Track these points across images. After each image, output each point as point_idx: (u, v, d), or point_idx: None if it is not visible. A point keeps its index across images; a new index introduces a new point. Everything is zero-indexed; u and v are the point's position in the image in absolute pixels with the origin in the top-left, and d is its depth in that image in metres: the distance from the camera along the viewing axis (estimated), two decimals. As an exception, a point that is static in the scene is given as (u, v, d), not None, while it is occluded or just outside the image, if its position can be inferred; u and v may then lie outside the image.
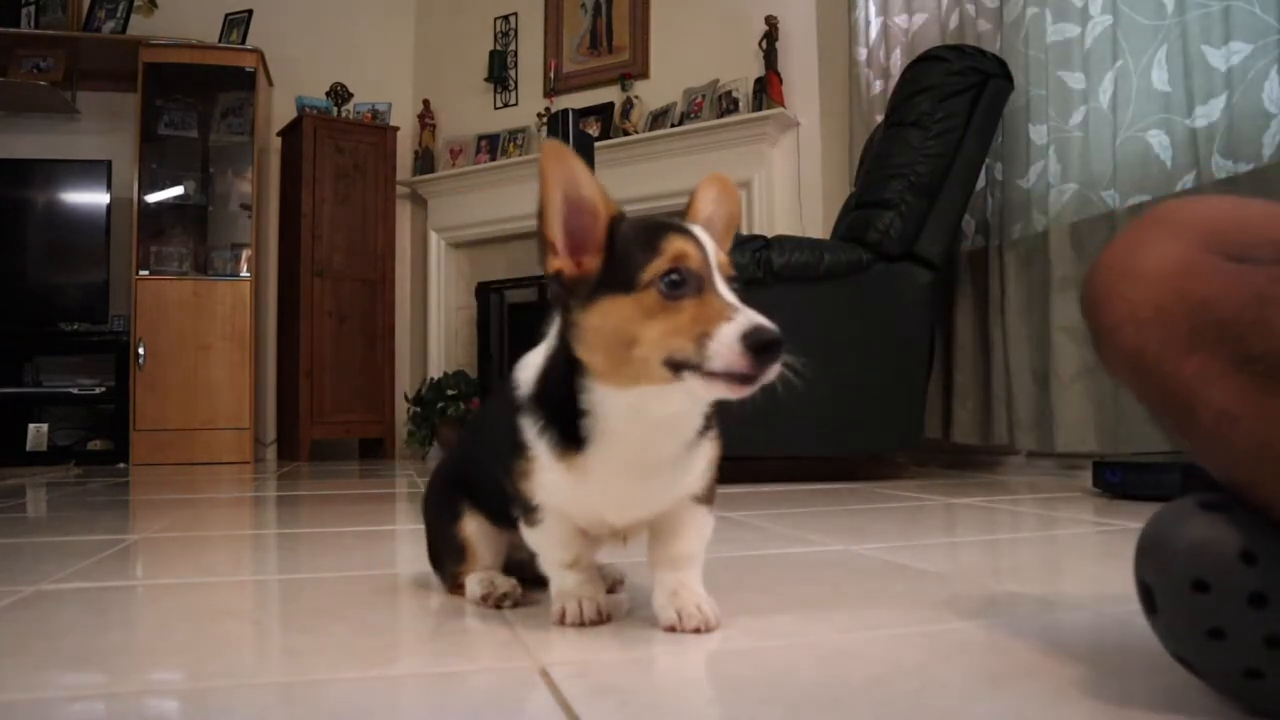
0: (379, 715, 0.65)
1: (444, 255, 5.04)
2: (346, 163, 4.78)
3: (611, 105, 4.45)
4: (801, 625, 0.89)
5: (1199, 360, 0.57)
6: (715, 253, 0.76)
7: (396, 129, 4.99)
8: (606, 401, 0.78)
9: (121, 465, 4.22)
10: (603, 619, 0.89)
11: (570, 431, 0.80)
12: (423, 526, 1.11)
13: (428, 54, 5.26)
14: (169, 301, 4.39)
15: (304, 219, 4.62)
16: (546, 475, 0.82)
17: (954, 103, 2.71)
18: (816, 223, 3.72)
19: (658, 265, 0.73)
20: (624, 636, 0.85)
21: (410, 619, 0.99)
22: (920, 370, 2.79)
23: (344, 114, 4.92)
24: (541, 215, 0.77)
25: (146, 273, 4.42)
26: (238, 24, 4.72)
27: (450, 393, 4.63)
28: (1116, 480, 2.02)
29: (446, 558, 1.05)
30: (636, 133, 4.28)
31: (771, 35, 3.88)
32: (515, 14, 4.93)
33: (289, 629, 0.97)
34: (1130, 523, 1.61)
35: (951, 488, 2.44)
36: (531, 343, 0.88)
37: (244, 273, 4.55)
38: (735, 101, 3.99)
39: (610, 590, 1.04)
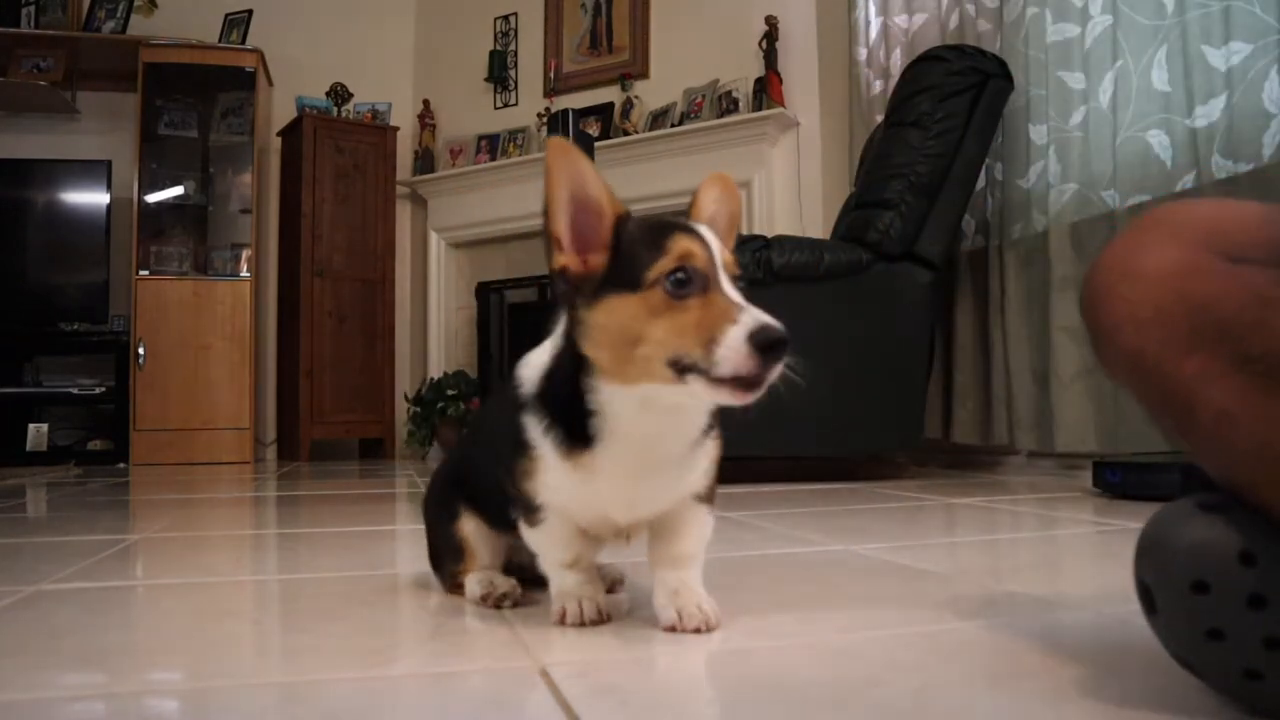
0: (379, 715, 0.65)
1: (444, 255, 5.04)
2: (346, 163, 4.78)
3: (611, 105, 4.45)
4: (801, 625, 0.89)
5: (1199, 360, 0.57)
6: (720, 251, 0.77)
7: (396, 129, 4.99)
8: (614, 400, 0.78)
9: (121, 465, 4.22)
10: (603, 619, 0.89)
11: (577, 430, 0.80)
12: (423, 526, 1.11)
13: (428, 54, 5.26)
14: (169, 301, 4.39)
15: (304, 219, 4.62)
16: (551, 474, 0.82)
17: (954, 103, 2.71)
18: (816, 223, 3.72)
19: (663, 264, 0.73)
20: (624, 636, 0.85)
21: (410, 619, 0.99)
22: (920, 370, 2.79)
23: (344, 114, 4.92)
24: (547, 212, 0.77)
25: (146, 273, 4.42)
26: (238, 24, 4.72)
27: (450, 393, 4.63)
28: (1116, 480, 2.02)
29: (445, 557, 1.05)
30: (636, 133, 4.28)
31: (771, 35, 3.88)
32: (515, 14, 4.93)
33: (289, 629, 0.97)
34: (1130, 523, 1.61)
35: (951, 488, 2.44)
36: (532, 342, 0.88)
37: (244, 273, 4.55)
38: (735, 101, 3.99)
39: (610, 590, 1.04)
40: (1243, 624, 0.55)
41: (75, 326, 4.50)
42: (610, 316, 0.75)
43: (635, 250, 0.75)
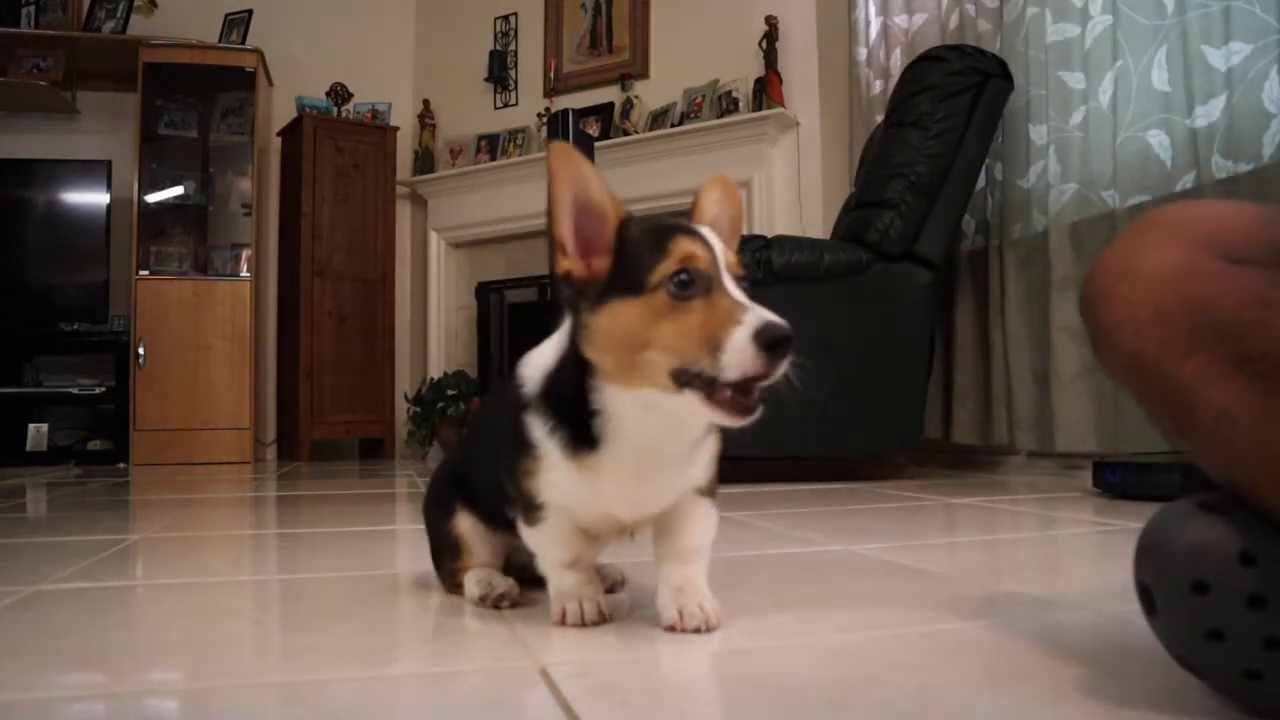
0: (379, 715, 0.65)
1: (444, 255, 5.04)
2: (346, 163, 4.78)
3: (611, 105, 4.45)
4: (801, 625, 0.89)
5: (1199, 361, 0.57)
6: (724, 252, 0.77)
7: (396, 129, 4.99)
8: (617, 402, 0.78)
9: (121, 465, 4.22)
10: (603, 619, 0.89)
11: (582, 431, 0.80)
12: (422, 526, 1.11)
13: (428, 54, 5.26)
14: (169, 301, 4.39)
15: (304, 219, 4.62)
16: (555, 474, 0.82)
17: (954, 103, 2.71)
18: (816, 223, 3.72)
19: (666, 267, 0.74)
20: (624, 636, 0.85)
21: (410, 619, 0.99)
22: (920, 370, 2.79)
23: (344, 114, 4.92)
24: (551, 216, 0.77)
25: (146, 273, 4.42)
26: (238, 24, 4.72)
27: (450, 393, 4.63)
28: (1116, 480, 2.02)
29: (444, 554, 1.05)
30: (636, 133, 4.28)
31: (771, 35, 3.88)
32: (515, 14, 4.93)
33: (289, 629, 0.97)
34: (1130, 523, 1.61)
35: (951, 488, 2.44)
36: (532, 342, 0.88)
37: (244, 273, 4.55)
38: (735, 101, 3.99)
39: (610, 590, 1.04)
40: (1243, 624, 0.55)
41: (75, 326, 4.50)
42: (614, 321, 0.76)
43: (638, 253, 0.76)
